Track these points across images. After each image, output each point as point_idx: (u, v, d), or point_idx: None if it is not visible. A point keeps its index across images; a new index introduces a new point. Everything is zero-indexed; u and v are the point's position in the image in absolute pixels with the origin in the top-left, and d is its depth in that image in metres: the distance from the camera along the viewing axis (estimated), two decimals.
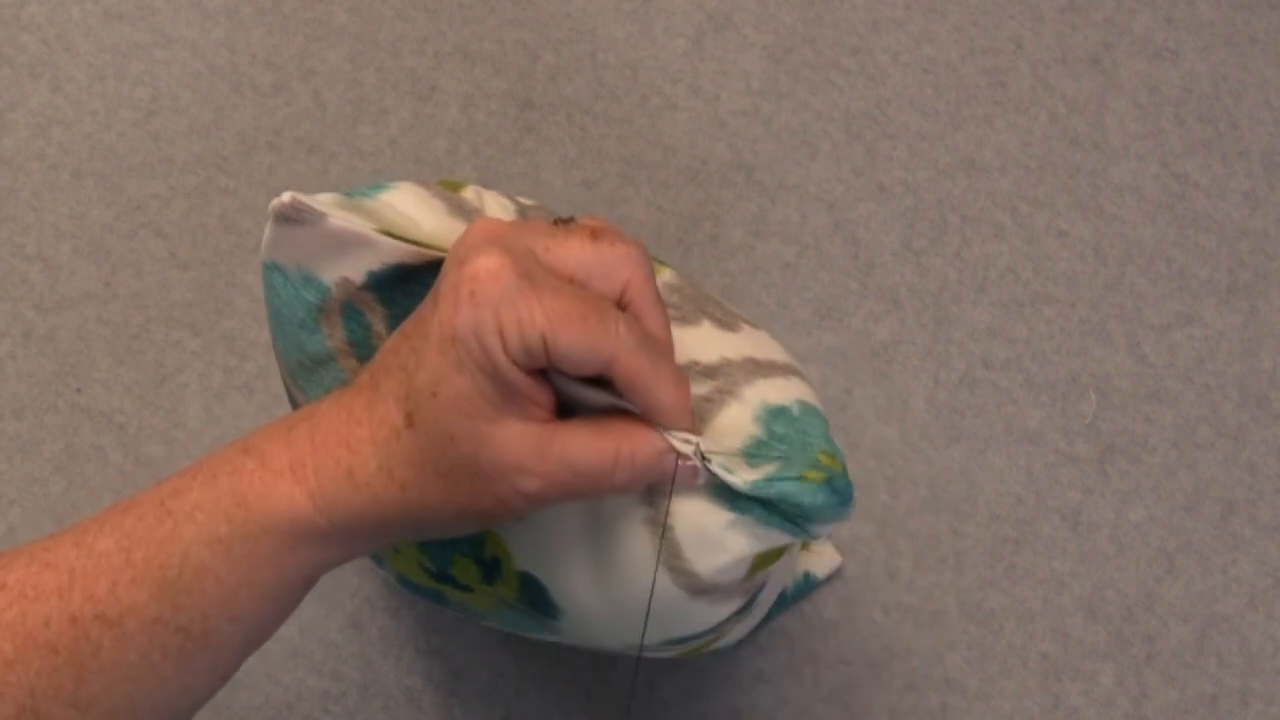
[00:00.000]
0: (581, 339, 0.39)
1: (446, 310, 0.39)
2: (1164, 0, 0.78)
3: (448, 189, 0.48)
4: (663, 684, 0.64)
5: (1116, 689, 0.66)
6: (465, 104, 0.73)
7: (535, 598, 0.49)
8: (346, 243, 0.44)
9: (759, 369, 0.48)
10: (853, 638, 0.65)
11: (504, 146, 0.72)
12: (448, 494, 0.41)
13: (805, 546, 0.65)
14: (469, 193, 0.48)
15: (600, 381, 0.42)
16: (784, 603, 0.63)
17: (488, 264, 0.39)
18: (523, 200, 0.51)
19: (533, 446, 0.40)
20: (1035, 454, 0.69)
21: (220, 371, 0.68)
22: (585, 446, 0.41)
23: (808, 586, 0.64)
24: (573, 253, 0.41)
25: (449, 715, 0.63)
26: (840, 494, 0.43)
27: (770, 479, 0.42)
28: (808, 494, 0.43)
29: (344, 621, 0.64)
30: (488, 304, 0.39)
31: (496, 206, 0.49)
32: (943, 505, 0.68)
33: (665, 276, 0.50)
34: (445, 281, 0.40)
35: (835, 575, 0.66)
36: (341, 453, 0.41)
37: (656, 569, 0.45)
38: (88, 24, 0.73)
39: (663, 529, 0.45)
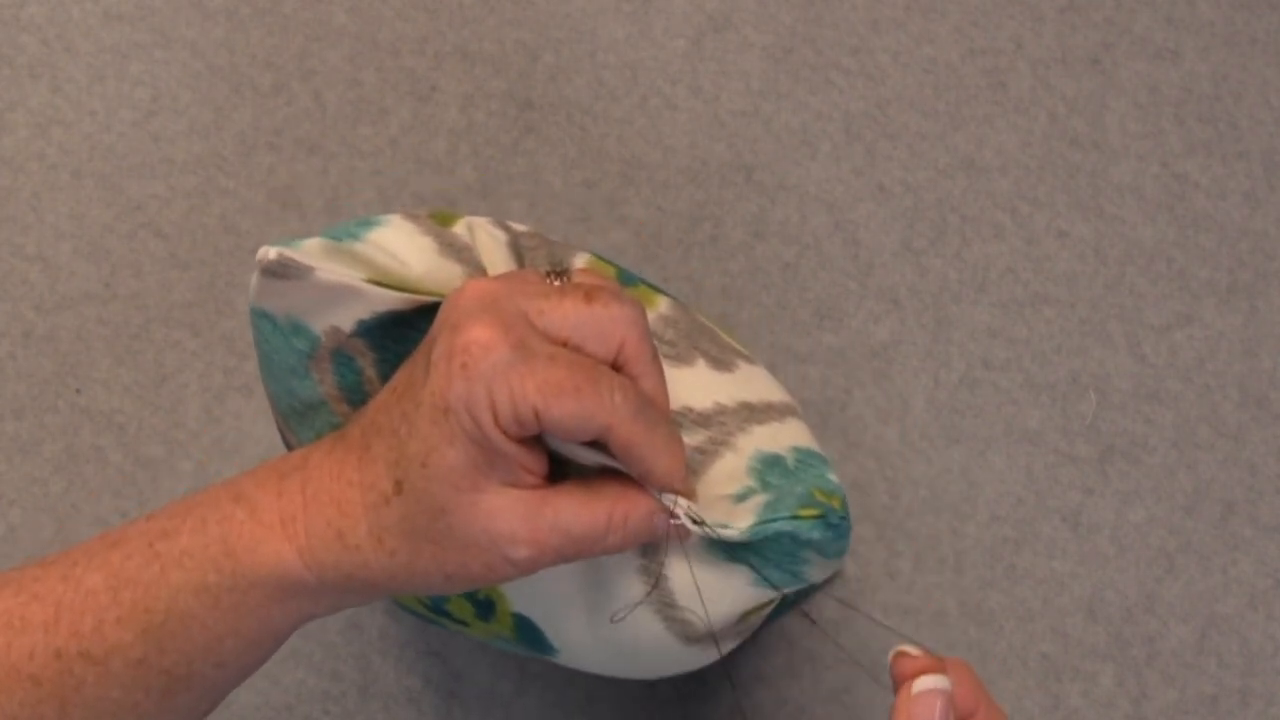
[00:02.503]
0: (575, 410, 0.38)
1: (439, 381, 0.39)
2: (1164, 0, 0.78)
3: (438, 223, 0.47)
4: (662, 684, 0.64)
5: (1116, 689, 0.66)
6: (465, 104, 0.73)
7: (530, 636, 0.49)
8: (336, 294, 0.44)
9: (753, 414, 0.47)
10: (853, 638, 0.65)
11: (504, 146, 0.72)
12: (437, 561, 0.41)
13: None
14: (460, 227, 0.47)
15: (595, 442, 0.41)
16: (784, 604, 0.63)
17: (480, 336, 0.38)
18: (515, 226, 0.50)
19: (524, 515, 0.40)
20: (1035, 454, 0.69)
21: (220, 371, 0.68)
22: (577, 512, 0.40)
23: (808, 588, 0.65)
24: (567, 315, 0.40)
25: (448, 716, 0.63)
26: (836, 529, 0.43)
27: (764, 520, 0.42)
28: (803, 529, 0.42)
29: (344, 622, 0.64)
30: (480, 378, 0.38)
31: (488, 238, 0.48)
32: (943, 506, 0.68)
33: (660, 308, 0.50)
34: (437, 348, 0.39)
35: (835, 576, 0.66)
36: (332, 513, 0.41)
37: (651, 592, 0.45)
38: (88, 24, 0.73)
39: (656, 579, 0.45)
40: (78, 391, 0.67)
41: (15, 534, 0.65)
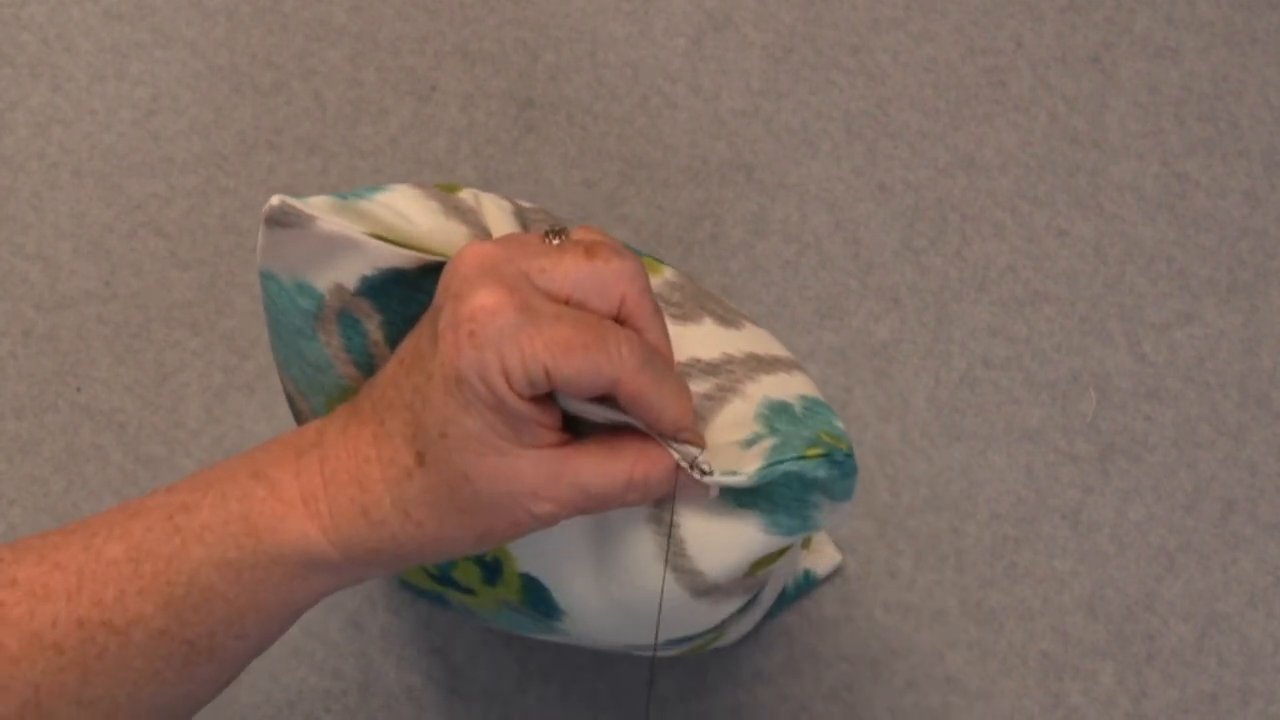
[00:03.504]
0: (585, 366, 0.39)
1: (447, 351, 0.39)
2: (1164, 0, 0.78)
3: (444, 191, 0.48)
4: (662, 682, 0.64)
5: (1117, 688, 0.66)
6: (465, 103, 0.73)
7: (537, 599, 0.49)
8: (337, 247, 0.44)
9: (761, 365, 0.48)
10: (853, 636, 0.65)
11: (504, 146, 0.72)
12: (464, 526, 0.41)
13: (806, 545, 0.65)
14: (465, 194, 0.48)
15: (604, 397, 0.42)
16: (784, 600, 0.63)
17: (484, 301, 0.39)
18: (521, 203, 0.51)
19: (546, 474, 0.40)
20: (1035, 453, 0.69)
21: (220, 371, 0.68)
22: (598, 470, 0.41)
23: (808, 584, 0.64)
24: (568, 273, 0.40)
25: (449, 713, 0.63)
26: (841, 466, 0.43)
27: (771, 463, 0.42)
28: (809, 469, 0.43)
29: (345, 620, 0.64)
30: (489, 343, 0.38)
31: (494, 206, 0.49)
32: (943, 504, 0.68)
33: (666, 275, 0.50)
34: (443, 318, 0.40)
35: (835, 573, 0.66)
36: (354, 490, 0.41)
37: (665, 570, 0.45)
38: (88, 24, 0.73)
39: (669, 529, 0.45)
40: (78, 390, 0.67)
41: (15, 533, 0.65)
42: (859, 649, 0.65)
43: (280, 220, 0.44)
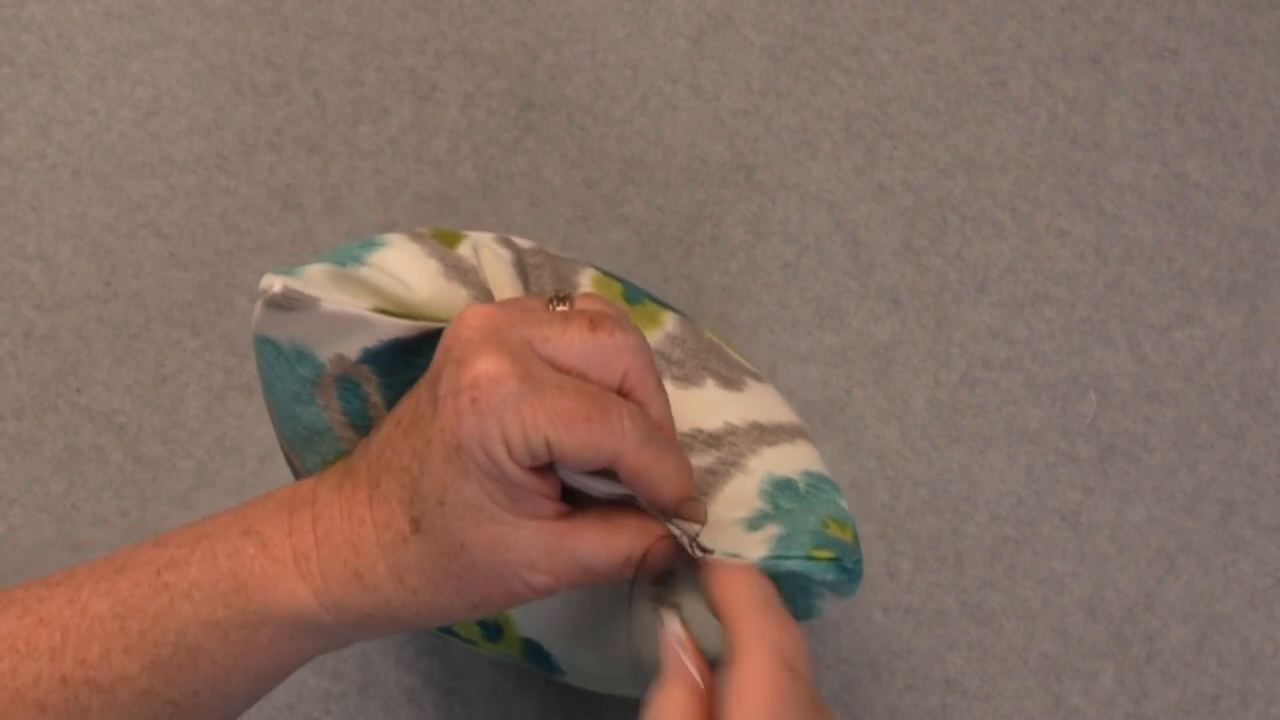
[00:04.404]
0: (587, 439, 0.38)
1: (448, 418, 0.38)
2: (1164, 0, 0.78)
3: (442, 242, 0.47)
4: None
5: (1117, 689, 0.66)
6: (465, 104, 0.73)
7: (538, 659, 0.49)
8: (341, 323, 0.43)
9: (764, 435, 0.47)
10: (853, 637, 0.65)
11: (504, 146, 0.72)
12: (459, 594, 0.40)
13: None
14: (464, 247, 0.46)
15: (604, 471, 0.41)
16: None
17: (487, 368, 0.38)
18: (519, 242, 0.50)
19: (544, 546, 0.40)
20: (1035, 454, 0.69)
21: (220, 371, 0.68)
22: (596, 545, 0.40)
23: None
24: (572, 344, 0.40)
25: (449, 714, 0.63)
26: (850, 572, 0.42)
27: (776, 556, 0.42)
28: (816, 570, 0.42)
29: None
30: (490, 412, 0.38)
31: (493, 258, 0.47)
32: (943, 505, 0.68)
33: (667, 326, 0.49)
34: (443, 383, 0.39)
35: None
36: (347, 553, 0.40)
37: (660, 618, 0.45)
38: (88, 24, 0.73)
39: (670, 606, 0.44)
40: (78, 391, 0.67)
41: (15, 534, 0.65)
42: (858, 650, 0.65)
43: (282, 305, 0.42)
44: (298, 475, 0.50)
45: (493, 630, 0.49)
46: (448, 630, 0.52)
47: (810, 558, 0.41)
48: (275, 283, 0.42)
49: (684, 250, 0.71)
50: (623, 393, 0.41)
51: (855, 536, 0.43)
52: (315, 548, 0.41)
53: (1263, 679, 0.66)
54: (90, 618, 0.41)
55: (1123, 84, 0.76)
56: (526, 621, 0.48)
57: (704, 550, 0.41)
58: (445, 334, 0.41)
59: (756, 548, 0.42)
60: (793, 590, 0.44)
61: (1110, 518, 0.68)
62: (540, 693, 0.64)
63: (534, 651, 0.49)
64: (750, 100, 0.74)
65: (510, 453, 0.38)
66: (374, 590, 0.40)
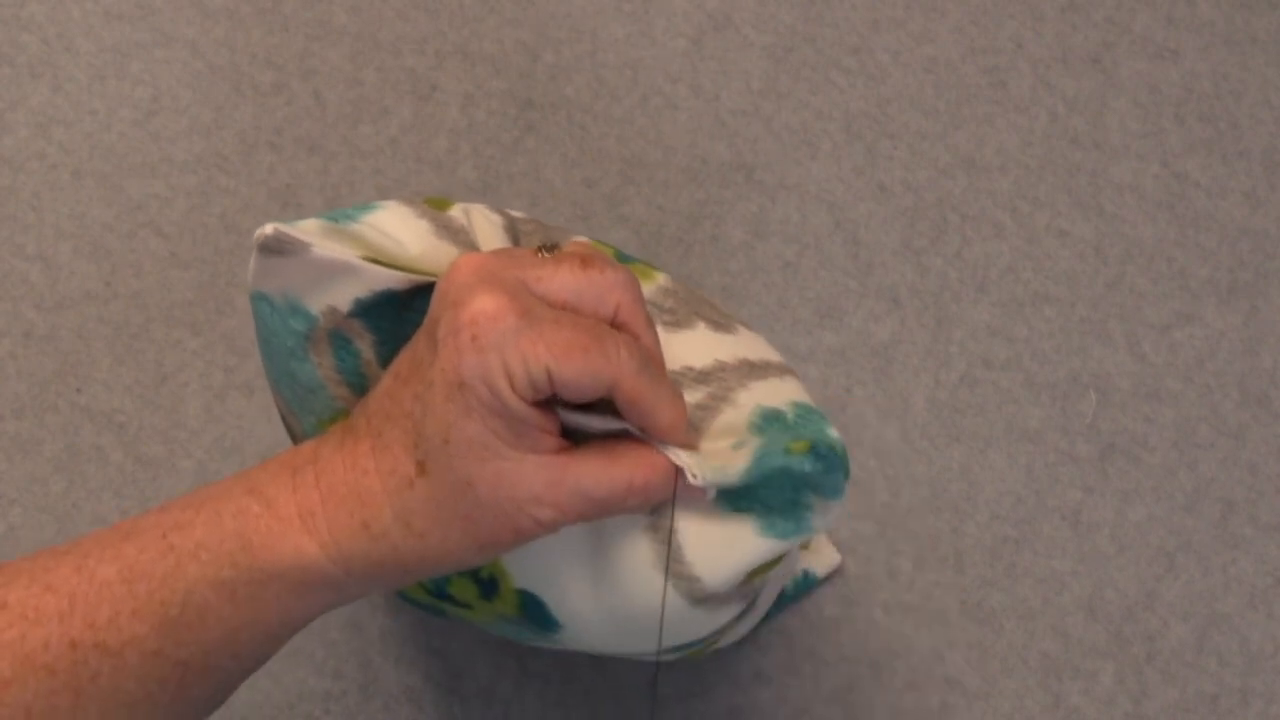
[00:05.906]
0: (586, 368, 0.39)
1: (449, 357, 0.39)
2: (1164, 0, 0.78)
3: (434, 207, 0.48)
4: (662, 682, 0.64)
5: (1117, 688, 0.66)
6: (465, 104, 0.73)
7: (534, 613, 0.49)
8: (332, 271, 0.44)
9: (753, 371, 0.48)
10: (853, 636, 0.65)
11: (504, 146, 0.72)
12: (467, 534, 0.41)
13: (805, 545, 0.65)
14: (455, 211, 0.48)
15: (594, 404, 0.42)
16: (783, 601, 0.63)
17: (485, 306, 0.39)
18: (512, 213, 0.51)
19: (548, 479, 0.40)
20: (1035, 453, 0.69)
21: (220, 371, 0.68)
22: (598, 477, 0.41)
23: (807, 585, 0.64)
24: (565, 282, 0.41)
25: (449, 714, 0.63)
26: (827, 459, 0.43)
27: (758, 459, 0.43)
28: (795, 463, 0.43)
29: (344, 621, 0.64)
30: (492, 347, 0.39)
31: (484, 220, 0.48)
32: (943, 504, 0.68)
33: (659, 281, 0.50)
34: (441, 325, 0.40)
35: (835, 574, 0.66)
36: (353, 505, 0.41)
37: (666, 577, 0.45)
38: (88, 24, 0.73)
39: (669, 535, 0.45)
40: (78, 391, 0.67)
41: (15, 533, 0.65)
42: (859, 649, 0.65)
43: (274, 248, 0.43)
44: (296, 440, 0.51)
45: (488, 586, 0.49)
46: (444, 596, 0.52)
47: (787, 451, 0.43)
48: (267, 227, 0.43)
49: (684, 250, 0.71)
50: (615, 326, 0.42)
51: (843, 449, 0.44)
52: (320, 503, 0.41)
53: (1263, 678, 0.66)
54: (98, 583, 0.41)
55: (1123, 84, 0.76)
56: (521, 571, 0.48)
57: (694, 474, 0.42)
58: (440, 282, 0.41)
59: (740, 459, 0.43)
60: (780, 502, 0.44)
61: (1110, 517, 0.68)
62: (539, 692, 0.64)
63: (530, 605, 0.49)
64: (750, 100, 0.74)
65: (513, 385, 0.39)
66: (381, 538, 0.41)
